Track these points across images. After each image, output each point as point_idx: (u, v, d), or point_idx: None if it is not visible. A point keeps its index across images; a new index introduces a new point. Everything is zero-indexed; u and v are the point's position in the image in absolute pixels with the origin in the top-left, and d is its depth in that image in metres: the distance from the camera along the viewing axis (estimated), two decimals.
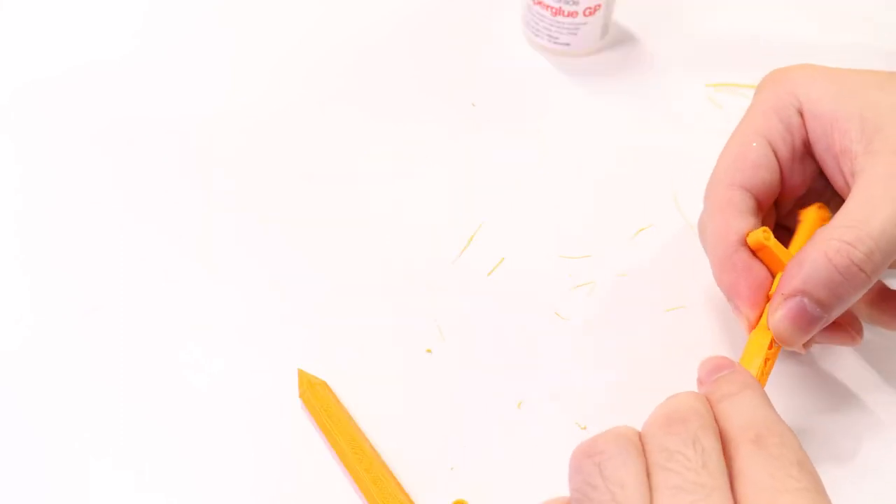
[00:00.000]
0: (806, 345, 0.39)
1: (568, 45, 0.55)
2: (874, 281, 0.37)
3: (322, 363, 0.43)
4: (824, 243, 0.36)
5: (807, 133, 0.41)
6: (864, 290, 0.37)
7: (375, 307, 0.45)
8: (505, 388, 0.42)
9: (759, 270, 0.39)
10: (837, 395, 0.42)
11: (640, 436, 0.30)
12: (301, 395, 0.42)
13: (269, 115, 0.53)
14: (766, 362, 0.37)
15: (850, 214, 0.37)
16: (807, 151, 0.41)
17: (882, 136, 0.38)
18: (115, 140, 0.52)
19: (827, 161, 0.41)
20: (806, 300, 0.36)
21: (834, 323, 0.39)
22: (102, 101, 0.54)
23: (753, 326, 0.39)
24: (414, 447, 0.40)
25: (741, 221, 0.40)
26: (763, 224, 0.41)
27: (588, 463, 0.30)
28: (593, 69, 0.55)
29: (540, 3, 0.53)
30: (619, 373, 0.43)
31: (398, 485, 0.39)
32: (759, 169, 0.41)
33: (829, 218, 0.39)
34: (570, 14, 0.53)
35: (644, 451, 0.30)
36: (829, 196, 0.42)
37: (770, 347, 0.37)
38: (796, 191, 0.42)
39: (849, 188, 0.38)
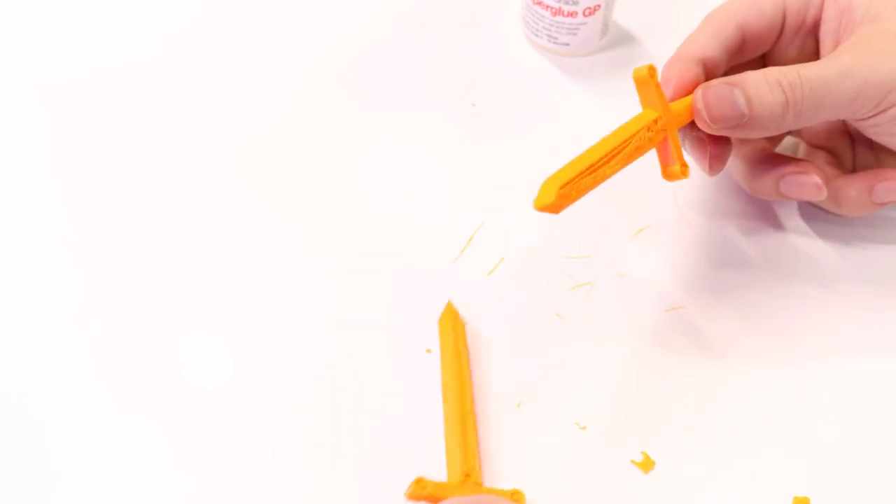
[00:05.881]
0: (713, 166, 0.43)
1: (568, 45, 0.55)
2: (791, 118, 0.40)
3: (322, 363, 0.43)
4: (764, 69, 0.41)
5: (821, 14, 0.44)
6: (780, 123, 0.40)
7: (375, 307, 0.45)
8: (505, 388, 0.42)
9: (697, 76, 0.42)
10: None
11: None
12: (439, 321, 0.43)
13: (269, 115, 0.53)
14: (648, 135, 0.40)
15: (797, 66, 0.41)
16: (812, 31, 0.44)
17: (868, 26, 0.41)
18: (116, 139, 0.52)
19: (828, 45, 0.43)
20: (737, 91, 0.40)
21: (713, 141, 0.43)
22: (102, 101, 0.54)
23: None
24: (414, 447, 0.41)
25: (715, 47, 0.43)
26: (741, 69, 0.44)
27: None
28: (593, 69, 0.55)
29: (540, 3, 0.53)
30: (618, 373, 0.43)
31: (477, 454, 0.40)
32: (762, 22, 0.44)
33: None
34: (570, 14, 0.53)
35: None
36: None
37: (649, 129, 0.40)
38: (786, 59, 0.45)
39: None
